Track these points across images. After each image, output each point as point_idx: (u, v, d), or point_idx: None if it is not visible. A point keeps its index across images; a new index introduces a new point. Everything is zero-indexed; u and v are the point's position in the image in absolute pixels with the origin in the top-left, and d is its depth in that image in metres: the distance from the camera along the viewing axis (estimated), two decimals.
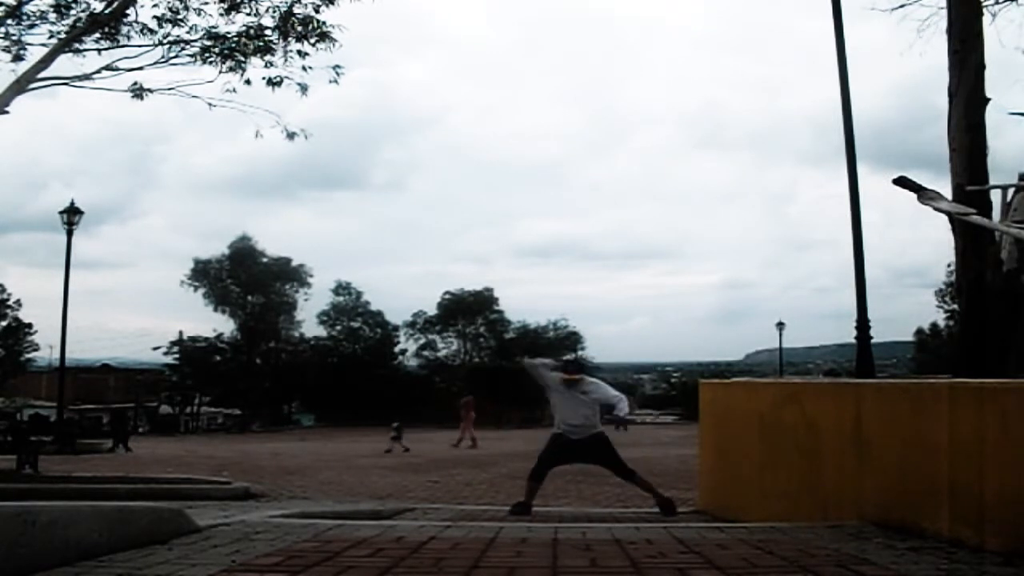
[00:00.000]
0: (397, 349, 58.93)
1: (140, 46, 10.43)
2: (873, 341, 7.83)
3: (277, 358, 54.61)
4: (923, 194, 4.97)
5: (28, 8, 10.25)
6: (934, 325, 46.08)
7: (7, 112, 9.20)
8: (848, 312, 8.05)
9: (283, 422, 51.29)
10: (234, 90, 10.67)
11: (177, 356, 50.70)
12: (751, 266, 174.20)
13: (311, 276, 54.75)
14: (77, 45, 10.14)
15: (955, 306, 10.61)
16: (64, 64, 10.03)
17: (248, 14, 10.52)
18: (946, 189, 5.61)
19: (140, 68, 10.39)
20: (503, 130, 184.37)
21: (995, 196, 5.20)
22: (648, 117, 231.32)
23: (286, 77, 10.71)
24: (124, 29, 10.40)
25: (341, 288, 57.48)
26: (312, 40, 10.56)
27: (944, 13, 6.12)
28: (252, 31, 10.56)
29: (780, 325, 44.19)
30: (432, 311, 59.07)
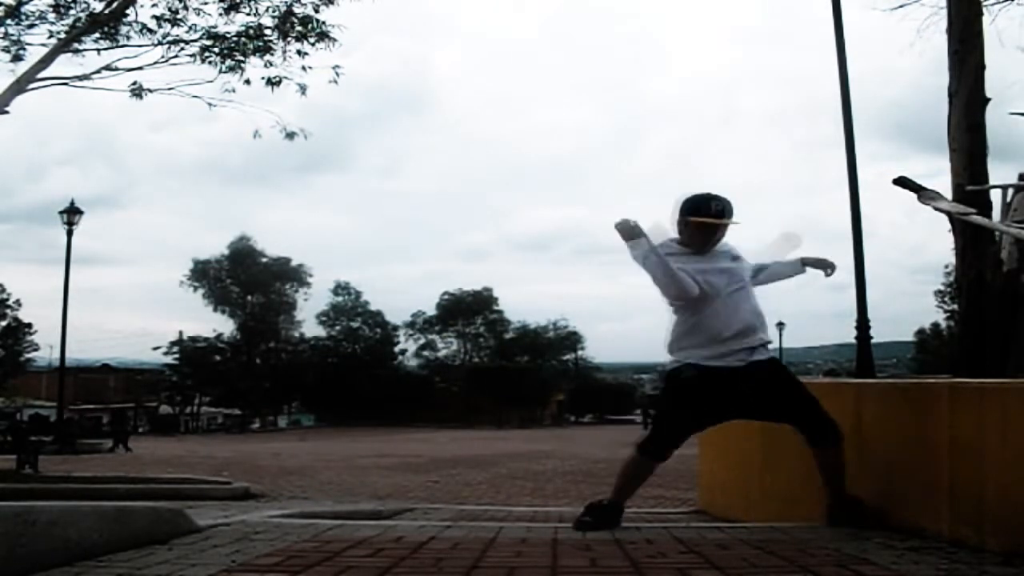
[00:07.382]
0: (397, 349, 59.05)
1: (140, 46, 10.47)
2: (873, 341, 7.81)
3: (277, 358, 54.69)
4: (923, 194, 4.98)
5: (28, 8, 10.27)
6: (935, 325, 46.23)
7: (7, 112, 9.23)
8: (848, 312, 8.03)
9: (280, 415, 51.34)
10: (233, 90, 10.74)
11: (177, 356, 50.81)
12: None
13: (310, 276, 54.90)
14: (77, 45, 10.16)
15: (955, 306, 10.61)
16: (64, 64, 10.07)
17: (248, 14, 10.57)
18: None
19: (140, 68, 10.43)
20: (516, 125, 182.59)
21: (995, 196, 5.20)
22: (665, 111, 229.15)
23: (285, 77, 10.78)
24: (124, 29, 10.43)
25: (340, 288, 57.62)
26: (312, 40, 10.62)
27: (944, 13, 6.11)
28: (251, 31, 10.59)
29: (780, 325, 44.24)
30: (431, 311, 59.16)
